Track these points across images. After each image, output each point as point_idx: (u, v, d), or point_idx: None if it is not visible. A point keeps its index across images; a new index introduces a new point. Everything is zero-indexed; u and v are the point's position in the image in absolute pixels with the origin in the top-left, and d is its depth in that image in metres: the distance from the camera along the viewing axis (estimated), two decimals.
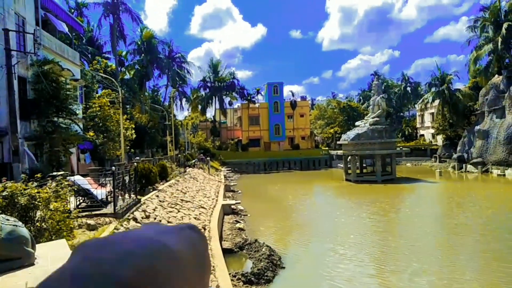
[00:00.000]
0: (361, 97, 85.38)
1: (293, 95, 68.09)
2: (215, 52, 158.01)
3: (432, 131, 60.77)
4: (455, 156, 45.96)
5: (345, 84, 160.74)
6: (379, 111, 40.11)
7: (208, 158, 39.08)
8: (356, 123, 43.19)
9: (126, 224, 10.67)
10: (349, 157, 39.79)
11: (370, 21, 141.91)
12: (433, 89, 53.78)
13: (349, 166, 40.08)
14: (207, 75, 64.65)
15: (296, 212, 23.39)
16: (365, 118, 42.91)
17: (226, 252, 12.87)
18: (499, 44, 39.33)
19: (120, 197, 12.28)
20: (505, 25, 38.84)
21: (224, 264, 9.84)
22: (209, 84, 64.46)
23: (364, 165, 43.59)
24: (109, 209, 11.23)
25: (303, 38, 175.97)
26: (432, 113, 60.82)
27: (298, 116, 66.92)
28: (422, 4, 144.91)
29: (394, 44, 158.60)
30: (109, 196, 12.15)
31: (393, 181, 36.67)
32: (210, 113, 70.34)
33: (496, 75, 43.90)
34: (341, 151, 40.83)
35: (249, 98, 63.95)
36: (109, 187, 12.68)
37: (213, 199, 21.09)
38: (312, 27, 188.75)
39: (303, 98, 72.50)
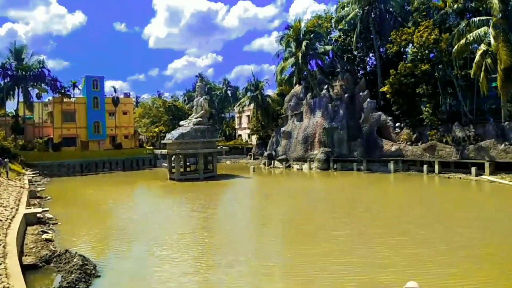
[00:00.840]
0: (186, 97, 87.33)
1: (115, 91, 64.17)
2: (22, 35, 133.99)
3: (248, 131, 67.38)
4: (265, 154, 52.23)
5: (171, 83, 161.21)
6: (202, 111, 41.99)
7: (6, 160, 33.02)
8: (181, 123, 44.06)
9: None
10: (174, 156, 40.30)
11: (196, 24, 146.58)
12: (248, 94, 59.66)
13: (173, 165, 40.57)
14: (7, 61, 54.32)
15: (116, 215, 22.29)
16: (189, 118, 44.22)
17: (29, 268, 11.30)
18: (299, 58, 46.67)
19: None
20: (304, 43, 46.33)
21: (24, 283, 8.64)
22: (10, 72, 54.31)
23: (187, 163, 44.98)
24: None
25: (129, 32, 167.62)
26: (248, 116, 67.34)
27: (121, 114, 63.45)
28: (242, 15, 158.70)
29: (218, 49, 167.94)
30: None
31: (214, 178, 39.03)
32: (12, 107, 59.53)
33: (297, 85, 52.00)
34: (166, 150, 40.97)
35: (63, 91, 56.78)
36: None
37: (12, 208, 18.04)
38: (138, 22, 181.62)
39: (127, 95, 69.21)
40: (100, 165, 52.88)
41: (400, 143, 38.82)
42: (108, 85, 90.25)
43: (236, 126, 76.39)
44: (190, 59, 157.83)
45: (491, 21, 31.22)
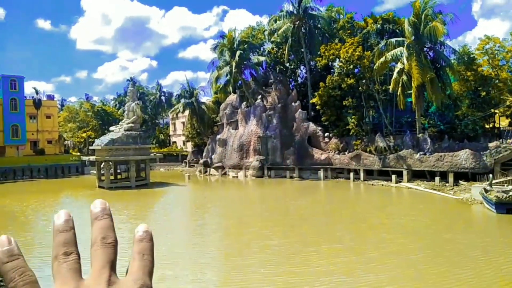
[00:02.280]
0: (117, 102, 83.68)
1: (37, 92, 59.62)
2: None
3: (183, 138, 66.47)
4: (201, 161, 51.95)
5: (102, 87, 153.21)
6: (134, 117, 40.71)
7: None
8: (111, 128, 42.27)
9: None
10: (103, 163, 38.44)
11: (129, 27, 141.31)
12: (183, 101, 59.00)
13: (102, 172, 38.68)
14: None
15: (35, 228, 20.72)
16: (120, 123, 42.59)
17: None
18: (234, 68, 47.42)
19: None
20: (238, 53, 47.20)
21: None
22: None
23: (118, 171, 43.12)
24: None
25: (54, 30, 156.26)
26: (183, 122, 66.50)
27: (43, 117, 59.01)
28: (177, 21, 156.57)
29: (152, 54, 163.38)
30: None
31: (147, 186, 37.93)
32: None
33: (232, 93, 52.67)
34: (94, 157, 38.94)
35: None
36: None
37: None
38: (64, 20, 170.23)
39: (50, 97, 64.62)
40: (20, 172, 48.58)
41: (329, 152, 41.08)
42: (29, 85, 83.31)
43: (171, 133, 74.94)
44: (122, 62, 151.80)
45: (405, 42, 34.60)
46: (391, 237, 16.77)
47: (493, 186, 23.25)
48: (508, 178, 27.15)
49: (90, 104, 75.63)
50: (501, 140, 31.65)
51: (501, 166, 29.05)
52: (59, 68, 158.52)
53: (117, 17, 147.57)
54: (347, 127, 40.90)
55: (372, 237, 16.48)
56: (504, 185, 24.05)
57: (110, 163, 38.20)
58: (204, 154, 53.19)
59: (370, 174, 37.66)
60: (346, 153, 39.68)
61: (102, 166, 38.82)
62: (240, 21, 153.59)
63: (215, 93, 55.96)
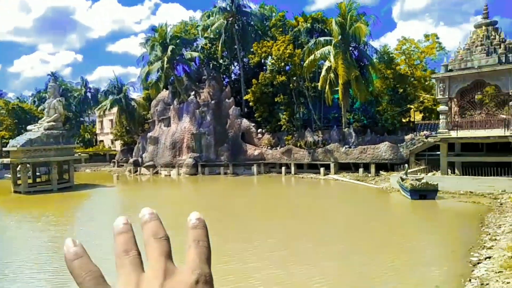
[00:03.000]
0: (36, 99, 77.01)
1: None
2: None
3: (111, 137, 63.15)
4: (131, 160, 49.85)
5: (19, 82, 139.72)
6: (56, 115, 37.76)
7: None
8: (29, 127, 38.88)
9: None
10: (19, 166, 35.12)
11: (52, 17, 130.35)
12: (110, 97, 56.03)
13: (19, 176, 35.34)
14: None
15: None
16: (40, 122, 39.25)
17: None
18: (165, 63, 46.09)
19: None
20: (170, 48, 45.94)
21: None
22: None
23: (38, 173, 39.72)
24: None
25: None
26: (111, 120, 63.22)
27: None
28: (106, 13, 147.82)
29: (77, 47, 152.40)
30: None
31: (71, 188, 35.48)
32: None
33: (164, 90, 51.18)
34: (9, 159, 35.43)
35: None
36: None
37: None
38: None
39: None
40: None
41: (262, 148, 41.80)
42: None
43: (98, 131, 70.83)
44: (43, 56, 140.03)
45: (333, 41, 36.32)
46: (320, 228, 17.54)
47: (408, 175, 25.38)
48: (421, 167, 29.87)
49: (4, 101, 68.65)
50: (415, 133, 34.66)
51: (415, 157, 31.85)
52: None
53: (38, 5, 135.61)
54: (279, 123, 41.93)
55: (303, 229, 17.08)
56: (417, 174, 26.40)
57: (28, 165, 35.07)
58: (134, 153, 51.11)
59: (300, 167, 39.03)
60: (278, 148, 40.67)
61: (18, 169, 35.45)
62: (173, 15, 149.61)
63: (146, 89, 54.00)
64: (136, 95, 60.09)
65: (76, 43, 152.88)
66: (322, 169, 36.04)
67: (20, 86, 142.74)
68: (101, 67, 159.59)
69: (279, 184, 34.99)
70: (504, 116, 26.68)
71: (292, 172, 38.41)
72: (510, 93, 25.60)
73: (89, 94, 77.29)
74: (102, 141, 68.71)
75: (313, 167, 37.87)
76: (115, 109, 55.94)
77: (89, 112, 76.39)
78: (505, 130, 25.50)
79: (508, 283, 10.12)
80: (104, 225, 21.69)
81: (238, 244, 15.01)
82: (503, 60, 25.83)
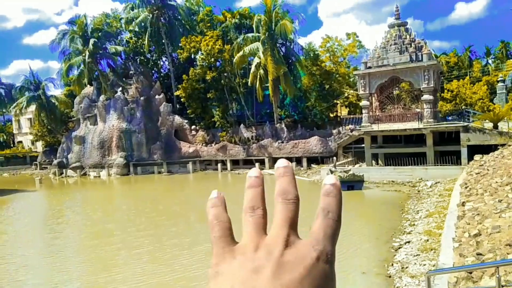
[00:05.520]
0: None
1: None
2: None
3: (31, 137, 58.08)
4: (55, 162, 46.43)
5: None
6: None
7: None
8: None
9: None
10: None
11: None
12: (27, 93, 51.34)
13: None
14: None
15: None
16: None
17: None
18: (87, 57, 43.32)
19: None
20: (91, 41, 43.23)
21: None
22: None
23: None
24: None
25: None
26: (30, 119, 58.11)
27: None
28: (21, 2, 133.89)
29: None
30: None
31: None
32: None
33: (89, 86, 48.17)
34: None
35: None
36: None
37: None
38: None
39: None
40: None
41: (196, 145, 41.41)
42: None
43: (15, 132, 64.67)
44: None
45: (261, 37, 36.96)
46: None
47: (337, 167, 26.97)
48: (349, 159, 31.89)
49: None
50: (342, 127, 36.81)
51: (343, 150, 33.86)
52: None
53: None
54: (213, 119, 41.81)
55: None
56: (345, 166, 28.16)
57: None
58: (58, 153, 47.62)
59: (236, 163, 39.43)
60: (213, 144, 40.61)
61: None
62: (97, 6, 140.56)
63: (68, 85, 50.38)
64: (59, 91, 55.85)
65: None
66: (257, 165, 36.64)
67: None
68: (17, 61, 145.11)
69: (215, 181, 35.01)
70: (418, 110, 29.49)
71: (228, 168, 38.65)
72: (422, 89, 28.30)
73: (2, 91, 70.03)
74: (20, 142, 62.94)
75: (248, 163, 38.45)
76: (33, 107, 51.42)
77: (4, 110, 69.27)
78: (419, 122, 28.19)
79: (424, 265, 11.33)
80: (26, 233, 19.99)
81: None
82: (414, 58, 28.46)
